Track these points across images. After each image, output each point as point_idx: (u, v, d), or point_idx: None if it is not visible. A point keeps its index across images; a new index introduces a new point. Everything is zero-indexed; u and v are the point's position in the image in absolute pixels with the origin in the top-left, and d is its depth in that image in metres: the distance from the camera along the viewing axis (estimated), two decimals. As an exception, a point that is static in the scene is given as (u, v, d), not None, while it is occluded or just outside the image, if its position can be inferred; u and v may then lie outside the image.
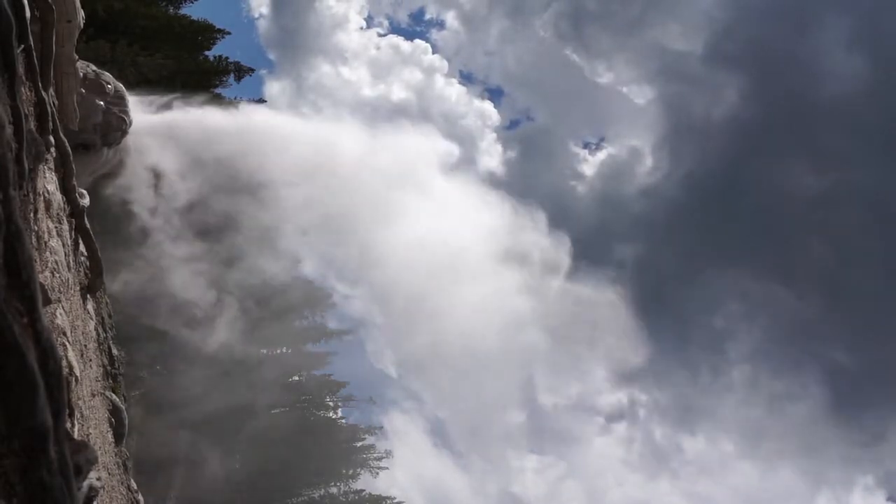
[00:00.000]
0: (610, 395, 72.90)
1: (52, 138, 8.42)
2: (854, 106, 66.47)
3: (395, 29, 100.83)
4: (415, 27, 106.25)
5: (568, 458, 72.13)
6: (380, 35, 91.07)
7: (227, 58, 33.55)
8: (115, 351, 12.21)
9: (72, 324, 8.27)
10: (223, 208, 26.00)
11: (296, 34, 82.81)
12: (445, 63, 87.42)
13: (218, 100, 30.60)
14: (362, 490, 39.62)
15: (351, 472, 39.58)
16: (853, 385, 64.10)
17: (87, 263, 10.64)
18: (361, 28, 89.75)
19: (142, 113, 20.61)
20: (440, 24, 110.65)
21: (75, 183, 9.79)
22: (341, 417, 42.08)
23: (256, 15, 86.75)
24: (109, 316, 12.71)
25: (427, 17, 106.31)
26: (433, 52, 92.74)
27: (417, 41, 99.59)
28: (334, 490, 39.25)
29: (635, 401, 69.54)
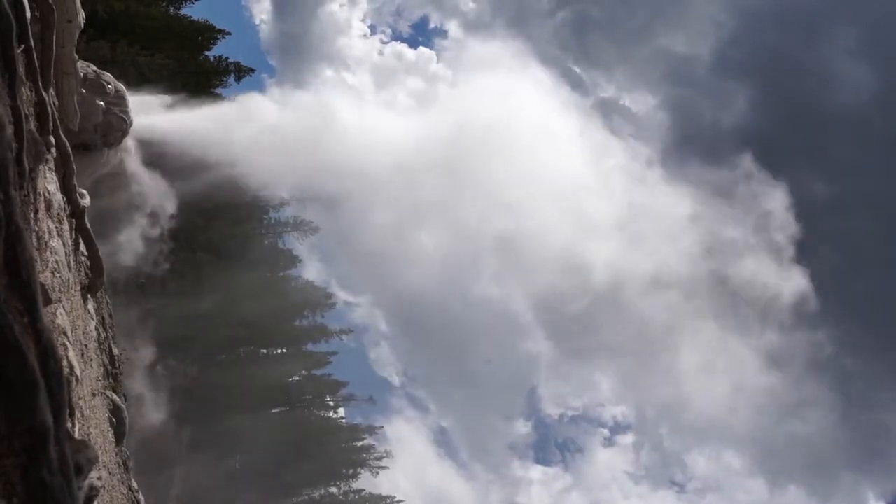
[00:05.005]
0: (614, 407, 72.84)
1: (52, 138, 8.43)
2: (861, 114, 66.38)
3: (398, 37, 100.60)
4: (417, 36, 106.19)
5: (573, 469, 72.18)
6: (383, 42, 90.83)
7: (227, 58, 33.54)
8: (115, 350, 12.22)
9: (72, 324, 8.28)
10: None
11: (298, 40, 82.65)
12: (450, 72, 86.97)
13: (218, 100, 30.63)
14: (362, 490, 39.64)
15: (351, 472, 39.59)
16: (865, 394, 63.69)
17: (88, 263, 10.65)
18: (365, 35, 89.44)
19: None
20: (443, 34, 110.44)
21: (76, 183, 9.80)
22: (341, 417, 42.14)
23: (258, 21, 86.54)
24: (110, 316, 12.72)
25: (431, 25, 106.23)
26: (438, 61, 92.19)
27: (422, 49, 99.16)
28: (334, 490, 39.26)
29: (641, 409, 69.34)
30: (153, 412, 26.21)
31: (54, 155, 8.87)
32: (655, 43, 75.15)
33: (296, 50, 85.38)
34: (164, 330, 28.66)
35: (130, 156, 20.51)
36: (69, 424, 5.25)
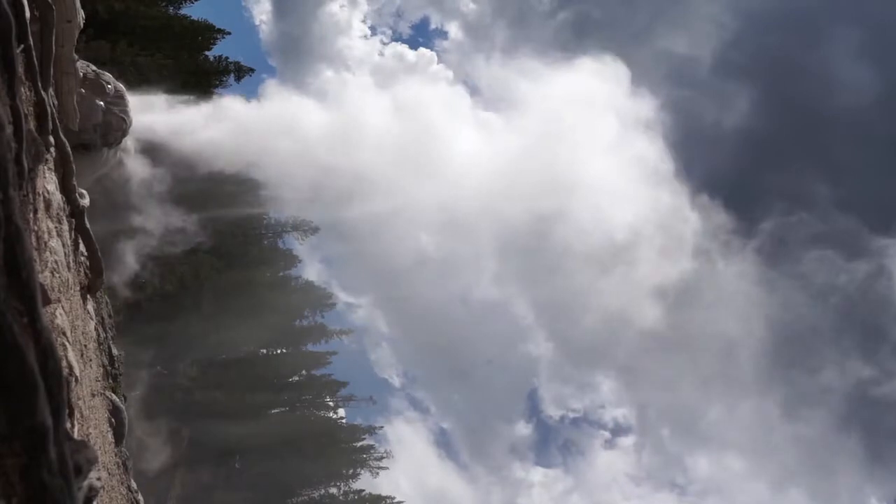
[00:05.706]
0: (615, 409, 72.66)
1: (51, 138, 8.42)
2: (863, 116, 66.37)
3: (398, 38, 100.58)
4: (418, 37, 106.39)
5: (574, 471, 72.10)
6: (383, 43, 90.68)
7: (227, 58, 33.59)
8: (115, 351, 12.21)
9: (72, 324, 8.27)
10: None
11: (298, 40, 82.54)
12: (450, 73, 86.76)
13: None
14: (362, 490, 39.63)
15: (351, 472, 39.59)
16: (869, 397, 63.37)
17: (87, 263, 10.64)
18: (365, 36, 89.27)
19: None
20: (444, 35, 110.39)
21: (75, 183, 9.78)
22: (341, 417, 42.16)
23: (258, 21, 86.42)
24: (109, 316, 12.71)
25: (432, 26, 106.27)
26: (438, 62, 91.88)
27: (422, 50, 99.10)
28: (334, 490, 39.26)
29: (642, 411, 69.08)
30: (154, 459, 26.27)
31: (54, 155, 8.86)
32: (656, 44, 75.01)
33: (296, 50, 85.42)
34: (165, 331, 28.67)
35: (130, 156, 20.55)
36: (69, 425, 5.24)
